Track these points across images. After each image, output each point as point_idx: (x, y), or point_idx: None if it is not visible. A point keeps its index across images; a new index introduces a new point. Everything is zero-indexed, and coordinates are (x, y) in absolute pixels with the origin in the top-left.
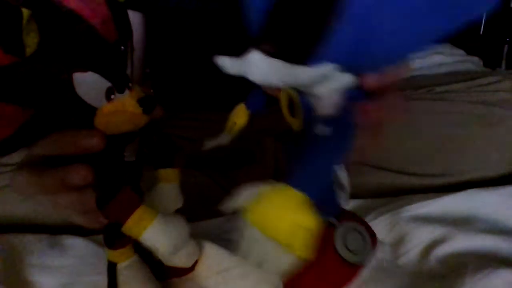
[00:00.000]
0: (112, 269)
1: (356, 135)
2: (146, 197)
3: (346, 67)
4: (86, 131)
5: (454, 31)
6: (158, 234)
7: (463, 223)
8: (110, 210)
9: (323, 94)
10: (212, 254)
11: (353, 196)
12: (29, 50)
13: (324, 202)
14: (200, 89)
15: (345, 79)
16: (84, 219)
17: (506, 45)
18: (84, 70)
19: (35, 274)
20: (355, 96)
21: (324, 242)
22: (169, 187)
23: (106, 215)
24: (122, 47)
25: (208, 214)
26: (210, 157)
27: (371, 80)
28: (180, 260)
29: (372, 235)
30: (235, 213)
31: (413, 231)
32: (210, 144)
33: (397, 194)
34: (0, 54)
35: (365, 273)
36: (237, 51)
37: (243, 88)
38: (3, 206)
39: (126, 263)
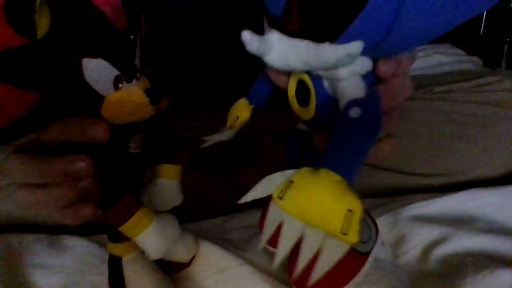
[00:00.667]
0: (115, 264)
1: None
2: (146, 191)
3: (372, 48)
4: (93, 119)
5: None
6: (151, 240)
7: (463, 223)
8: (111, 215)
9: (344, 76)
10: (212, 254)
11: None
12: (40, 33)
13: None
14: (200, 89)
15: (366, 62)
16: (63, 216)
17: (506, 45)
18: (94, 56)
19: (35, 274)
20: (371, 79)
21: None
22: (169, 183)
23: (106, 218)
24: (132, 37)
25: (208, 214)
26: (210, 157)
27: (386, 66)
28: (177, 255)
29: (374, 222)
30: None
31: (413, 231)
32: (212, 140)
33: (397, 194)
34: (11, 35)
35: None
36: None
37: (243, 87)
38: (3, 206)
39: (130, 256)
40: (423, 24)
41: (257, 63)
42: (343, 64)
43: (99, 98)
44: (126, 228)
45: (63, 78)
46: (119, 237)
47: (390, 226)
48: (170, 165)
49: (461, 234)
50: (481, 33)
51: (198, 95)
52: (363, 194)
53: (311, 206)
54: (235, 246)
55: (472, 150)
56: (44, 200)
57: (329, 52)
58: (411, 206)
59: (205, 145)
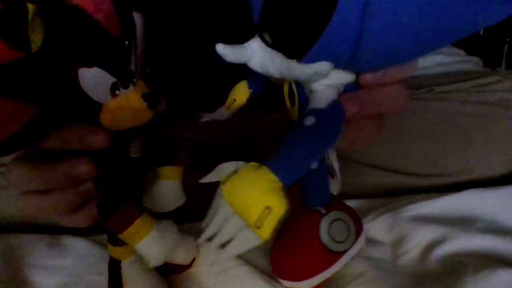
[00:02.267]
0: (114, 266)
1: (342, 129)
2: (148, 194)
3: (344, 66)
4: (91, 128)
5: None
6: (150, 248)
7: (463, 223)
8: (110, 223)
9: (317, 88)
10: (212, 254)
11: (353, 196)
12: (34, 46)
13: (313, 191)
14: (199, 89)
15: (342, 76)
16: (73, 220)
17: (506, 45)
18: (90, 66)
19: (35, 274)
20: (351, 90)
21: (310, 229)
22: (171, 184)
23: (105, 225)
24: (126, 43)
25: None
26: (210, 157)
27: (368, 78)
28: (177, 257)
29: (358, 224)
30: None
31: (413, 231)
32: (207, 117)
33: (397, 194)
34: (5, 50)
35: (346, 261)
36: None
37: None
38: (3, 206)
39: (130, 259)
40: (390, 44)
41: None
42: (314, 80)
43: (97, 106)
44: (125, 236)
45: (59, 89)
46: (118, 241)
47: (390, 226)
48: (171, 166)
49: (461, 234)
50: (481, 33)
51: (198, 95)
52: (363, 194)
53: (240, 196)
54: None
55: (472, 150)
56: (49, 205)
57: (297, 69)
58: (411, 206)
59: (202, 120)
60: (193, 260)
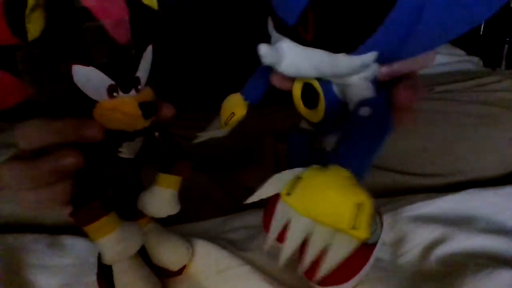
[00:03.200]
0: (103, 264)
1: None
2: (142, 195)
3: (385, 56)
4: (87, 120)
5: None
6: (108, 247)
7: (463, 223)
8: (77, 215)
9: (354, 82)
10: (212, 254)
11: None
12: (31, 36)
13: None
14: (199, 89)
15: (375, 68)
16: (45, 195)
17: (506, 45)
18: (85, 64)
19: (35, 274)
20: (374, 83)
21: None
22: (164, 192)
23: (72, 216)
24: (134, 51)
25: (208, 214)
26: (210, 157)
27: (385, 71)
28: (165, 262)
29: (380, 216)
30: (235, 213)
31: (413, 231)
32: (205, 136)
33: (397, 194)
34: (8, 34)
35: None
36: (238, 49)
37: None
38: (3, 206)
39: (123, 263)
40: (438, 32)
41: (257, 63)
42: (356, 72)
43: (91, 102)
44: (88, 230)
45: (51, 79)
46: (82, 216)
47: (390, 226)
48: (167, 174)
49: (461, 234)
50: (481, 33)
51: (197, 95)
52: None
53: (319, 202)
54: (235, 246)
55: (472, 150)
56: (45, 198)
57: (344, 62)
58: (411, 206)
59: (196, 140)
60: (184, 267)
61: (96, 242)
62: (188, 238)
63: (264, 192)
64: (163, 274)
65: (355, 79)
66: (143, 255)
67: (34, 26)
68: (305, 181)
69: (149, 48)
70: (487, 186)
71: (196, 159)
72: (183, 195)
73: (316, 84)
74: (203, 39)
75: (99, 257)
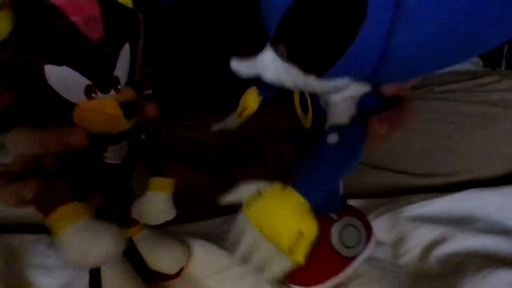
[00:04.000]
0: (94, 268)
1: (364, 145)
2: (135, 203)
3: (364, 80)
4: (69, 127)
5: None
6: (73, 238)
7: (463, 223)
8: (37, 199)
9: (335, 100)
10: (211, 254)
11: (353, 196)
12: None
13: (326, 199)
14: (199, 89)
15: (360, 88)
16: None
17: (506, 45)
18: (58, 64)
19: (35, 274)
20: (370, 101)
21: (321, 235)
22: (158, 197)
23: (34, 203)
24: (109, 48)
25: (208, 214)
26: (210, 157)
27: (390, 87)
28: (161, 265)
29: (368, 229)
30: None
31: (413, 231)
32: (218, 126)
33: (397, 194)
34: None
35: (357, 266)
36: (239, 51)
37: (243, 88)
38: (3, 206)
39: (108, 265)
40: (413, 66)
41: None
42: (333, 92)
43: (70, 105)
44: (50, 220)
45: (24, 82)
46: (43, 203)
47: (390, 226)
48: (159, 178)
49: (461, 234)
50: None
51: (197, 95)
52: (363, 194)
53: (269, 221)
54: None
55: (472, 150)
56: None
57: (315, 83)
58: (411, 206)
59: (212, 129)
60: (181, 270)
61: (59, 235)
62: (187, 238)
63: (229, 198)
64: (161, 278)
65: (335, 98)
66: (137, 259)
67: (2, 26)
68: (264, 198)
69: (126, 47)
70: (487, 186)
71: (196, 159)
72: (183, 195)
73: (306, 94)
74: (204, 39)
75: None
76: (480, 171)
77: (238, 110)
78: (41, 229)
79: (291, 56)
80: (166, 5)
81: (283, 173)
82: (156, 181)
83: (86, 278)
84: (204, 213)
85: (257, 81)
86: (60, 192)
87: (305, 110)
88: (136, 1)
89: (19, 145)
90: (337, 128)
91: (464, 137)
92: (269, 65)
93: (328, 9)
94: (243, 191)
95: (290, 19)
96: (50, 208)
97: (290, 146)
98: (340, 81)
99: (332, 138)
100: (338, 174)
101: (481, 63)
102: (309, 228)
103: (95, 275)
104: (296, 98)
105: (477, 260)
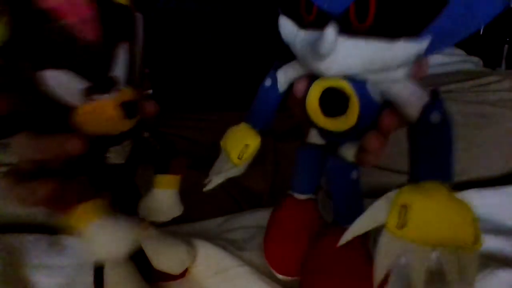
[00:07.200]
0: (98, 268)
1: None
2: (143, 202)
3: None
4: (67, 134)
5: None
6: (98, 233)
7: None
8: (54, 198)
9: (401, 78)
10: (212, 254)
11: None
12: None
13: (351, 206)
14: (199, 89)
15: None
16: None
17: (506, 45)
18: (56, 68)
19: (35, 274)
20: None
21: (355, 249)
22: (165, 193)
23: (49, 203)
24: (105, 49)
25: (208, 214)
26: (210, 157)
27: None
28: (166, 265)
29: None
30: (235, 213)
31: None
32: (219, 179)
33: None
34: None
35: None
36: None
37: (243, 88)
38: (4, 206)
39: (113, 263)
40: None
41: (257, 64)
42: (408, 63)
43: (69, 108)
44: (72, 218)
45: (23, 89)
46: (62, 204)
47: None
48: (165, 175)
49: None
50: (481, 33)
51: (198, 95)
52: (363, 194)
53: (442, 226)
54: (235, 246)
55: (472, 150)
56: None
57: (401, 50)
58: None
59: (209, 186)
60: (186, 270)
61: (83, 233)
62: (188, 238)
63: (361, 227)
64: (165, 278)
65: (400, 75)
66: (140, 260)
67: (0, 34)
68: (415, 208)
69: (124, 46)
70: (487, 186)
71: (196, 159)
72: (183, 195)
73: (345, 85)
74: (204, 40)
75: (95, 265)
76: (480, 171)
77: (238, 153)
78: (41, 229)
79: (378, 23)
80: (166, 6)
81: (283, 173)
82: (162, 178)
83: (86, 278)
84: (204, 213)
85: (258, 81)
86: (81, 190)
87: (332, 112)
88: (136, 1)
89: (23, 150)
90: (431, 106)
91: (464, 137)
92: (336, 52)
93: None
94: (375, 213)
95: None
96: (71, 206)
97: (295, 162)
98: (424, 44)
99: (435, 117)
100: (453, 149)
101: (481, 63)
102: (471, 209)
103: (98, 276)
104: (315, 103)
105: None
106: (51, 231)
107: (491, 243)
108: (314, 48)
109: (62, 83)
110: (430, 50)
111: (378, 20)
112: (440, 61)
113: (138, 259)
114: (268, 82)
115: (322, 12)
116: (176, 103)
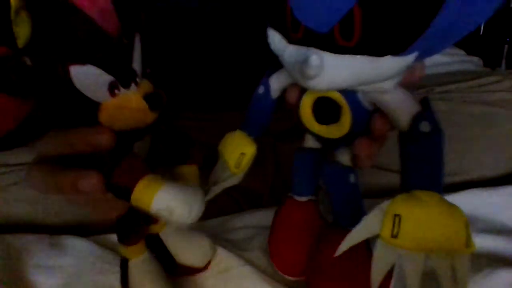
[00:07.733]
0: (123, 265)
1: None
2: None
3: (425, 52)
4: (95, 128)
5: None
6: (170, 195)
7: None
8: (116, 177)
9: (390, 88)
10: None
11: None
12: (20, 42)
13: (351, 209)
14: (199, 89)
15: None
16: (97, 212)
17: (506, 45)
18: (82, 63)
19: (35, 274)
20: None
21: (357, 251)
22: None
23: (114, 186)
24: (126, 40)
25: (208, 214)
26: (209, 157)
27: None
28: (190, 258)
29: None
30: (235, 213)
31: None
32: (218, 189)
33: (397, 194)
34: None
35: None
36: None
37: (243, 88)
38: (4, 206)
39: (137, 259)
40: (466, 28)
41: (257, 64)
42: (397, 76)
43: (95, 105)
44: (138, 195)
45: (50, 86)
46: (127, 239)
47: None
48: (185, 166)
49: None
50: (481, 33)
51: (198, 95)
52: (363, 194)
53: (435, 232)
54: (236, 246)
55: (472, 150)
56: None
57: (388, 65)
58: None
59: (208, 196)
60: (209, 263)
61: (154, 204)
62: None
63: (355, 238)
64: (189, 272)
65: (389, 85)
66: (163, 255)
67: (22, 29)
68: (408, 217)
69: (138, 37)
70: (487, 186)
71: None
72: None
73: (337, 96)
74: (204, 40)
75: (122, 262)
76: (480, 171)
77: (234, 163)
78: (41, 229)
79: (364, 41)
80: (167, 6)
81: (283, 173)
82: (183, 169)
83: (86, 278)
84: (204, 213)
85: (258, 81)
86: (134, 165)
87: (325, 120)
88: (137, 1)
89: (47, 146)
90: (420, 116)
91: (464, 137)
92: (322, 69)
93: None
94: (370, 223)
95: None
96: (132, 184)
97: (293, 168)
98: (412, 57)
99: (425, 127)
100: (443, 158)
101: (481, 63)
102: (463, 214)
103: (123, 271)
104: (308, 111)
105: (477, 260)
106: (51, 231)
107: (492, 243)
108: (301, 69)
109: (88, 78)
110: (425, 54)
111: (363, 38)
112: (440, 61)
113: (159, 255)
114: (261, 90)
115: (309, 30)
116: (177, 102)
